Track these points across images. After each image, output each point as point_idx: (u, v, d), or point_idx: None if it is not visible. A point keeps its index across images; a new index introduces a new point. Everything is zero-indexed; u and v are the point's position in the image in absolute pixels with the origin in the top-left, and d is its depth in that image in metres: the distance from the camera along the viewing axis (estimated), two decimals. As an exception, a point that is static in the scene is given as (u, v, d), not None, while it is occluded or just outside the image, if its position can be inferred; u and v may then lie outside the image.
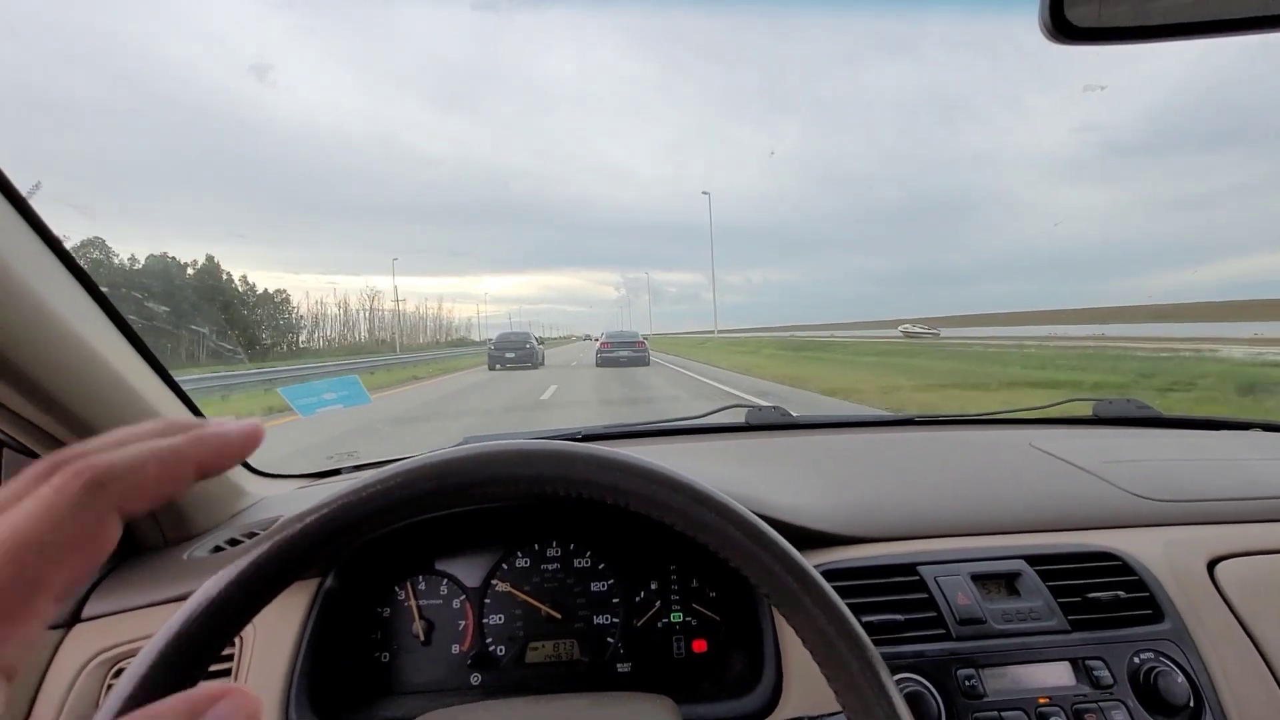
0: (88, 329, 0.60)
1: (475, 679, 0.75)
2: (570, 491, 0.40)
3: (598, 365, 15.98)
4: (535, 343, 17.55)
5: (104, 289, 0.63)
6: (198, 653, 0.35)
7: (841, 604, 0.40)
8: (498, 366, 15.73)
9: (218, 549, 0.77)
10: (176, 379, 0.76)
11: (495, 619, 0.78)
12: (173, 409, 0.74)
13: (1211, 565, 0.71)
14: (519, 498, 0.41)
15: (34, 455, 0.63)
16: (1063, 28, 0.41)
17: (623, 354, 16.18)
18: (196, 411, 0.79)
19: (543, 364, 16.88)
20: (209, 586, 0.35)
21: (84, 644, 0.67)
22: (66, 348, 0.57)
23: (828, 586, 0.40)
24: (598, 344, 18.56)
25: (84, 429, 0.61)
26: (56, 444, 0.61)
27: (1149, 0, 0.40)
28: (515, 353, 15.90)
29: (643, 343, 17.52)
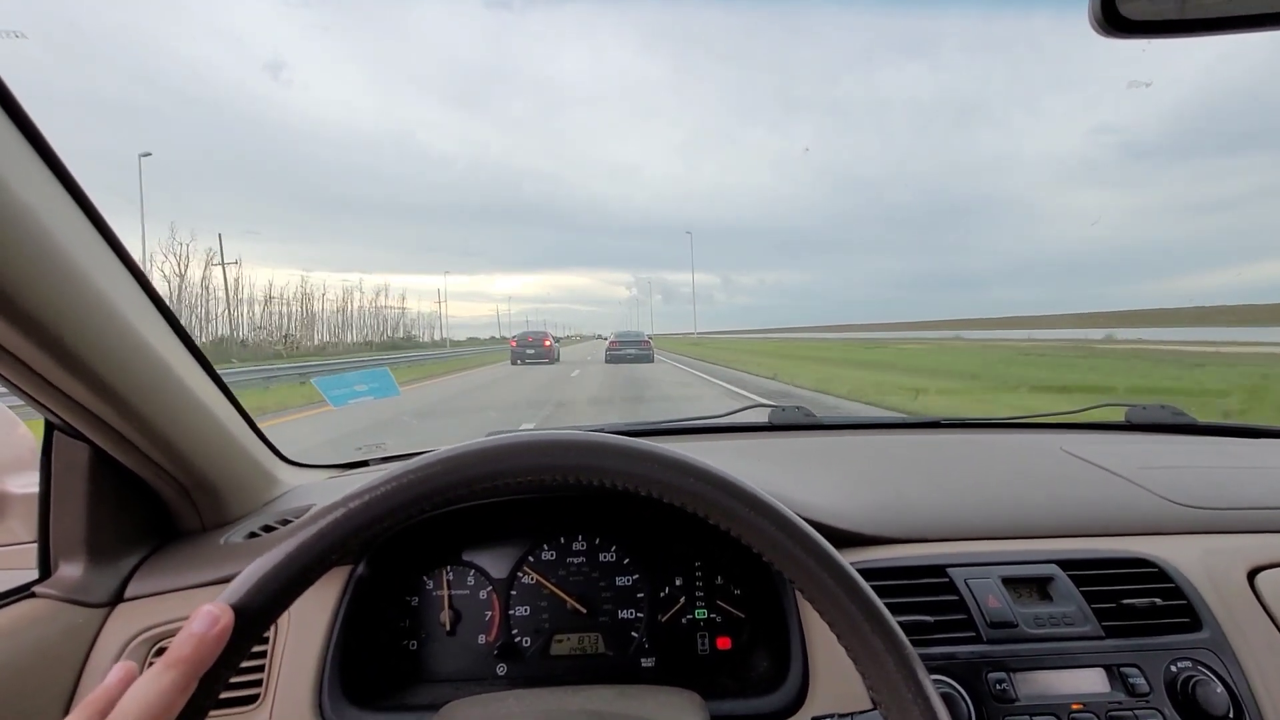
0: (138, 317, 0.62)
1: (501, 669, 0.76)
2: (608, 483, 0.41)
3: (607, 362, 17.56)
4: (553, 341, 20.14)
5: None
6: (273, 598, 0.37)
7: (880, 603, 0.40)
8: (519, 361, 17.96)
9: (253, 535, 0.79)
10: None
11: (521, 610, 0.79)
12: (212, 397, 0.76)
13: (1252, 575, 0.69)
14: (556, 488, 0.42)
15: (83, 439, 0.65)
16: (1114, 20, 0.40)
17: (629, 351, 18.24)
18: (232, 397, 0.81)
19: (558, 360, 18.95)
20: (291, 540, 0.37)
21: (126, 623, 0.69)
22: (119, 334, 0.59)
23: (866, 585, 0.40)
24: (607, 343, 20.60)
25: (130, 413, 0.63)
26: (104, 426, 0.63)
27: None
28: (535, 350, 18.24)
29: (648, 342, 19.75)
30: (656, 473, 0.41)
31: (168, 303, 0.68)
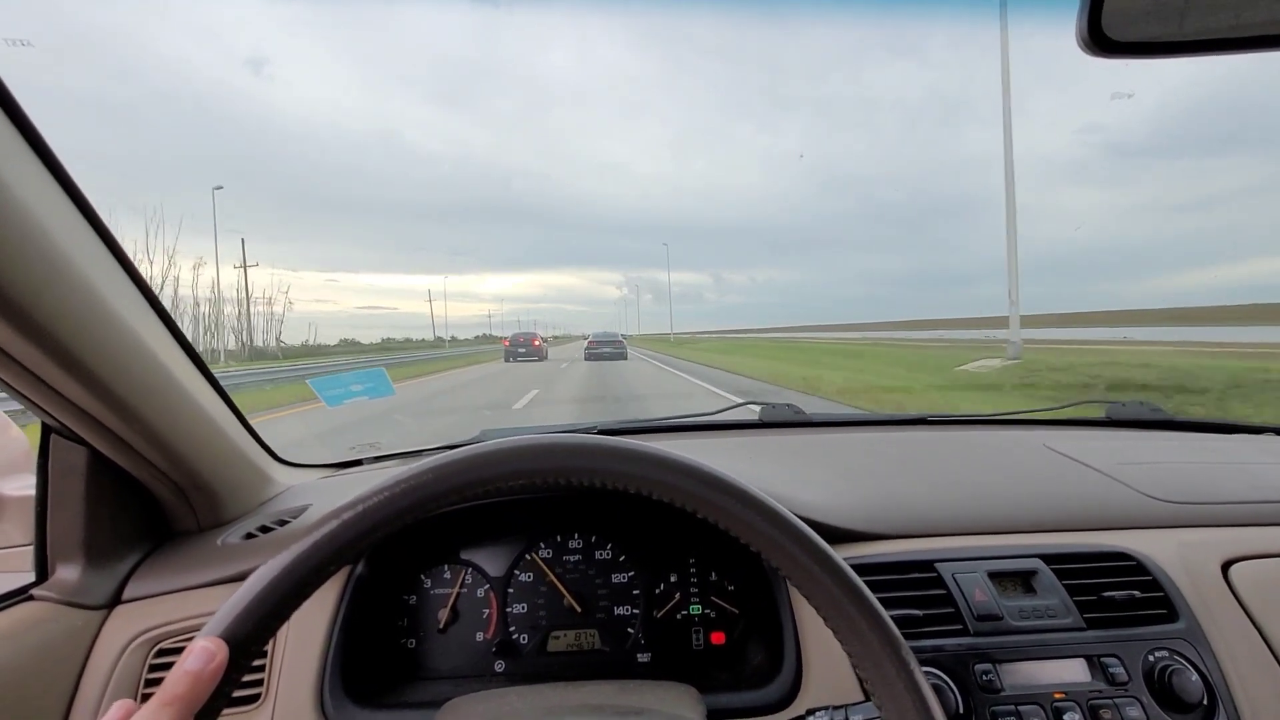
0: (135, 320, 0.62)
1: (499, 666, 0.77)
2: (599, 483, 0.42)
3: (585, 359, 19.35)
4: (542, 340, 22.05)
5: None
6: (262, 624, 0.37)
7: (872, 596, 0.41)
8: (512, 360, 19.67)
9: (250, 535, 0.79)
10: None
11: (518, 608, 0.80)
12: (207, 398, 0.76)
13: (1226, 567, 0.72)
14: (551, 487, 0.43)
15: (82, 442, 0.65)
16: (1100, 41, 0.42)
17: (605, 349, 20.38)
18: (227, 398, 0.81)
19: (547, 358, 20.57)
20: (275, 563, 0.38)
21: (125, 625, 0.69)
22: (118, 337, 0.59)
23: (859, 580, 0.42)
24: (586, 342, 23.08)
25: (129, 415, 0.63)
26: (101, 429, 0.63)
27: (1188, 14, 0.41)
28: (525, 349, 20.11)
29: (621, 341, 22.53)
30: (651, 472, 0.42)
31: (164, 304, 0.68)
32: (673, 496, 0.42)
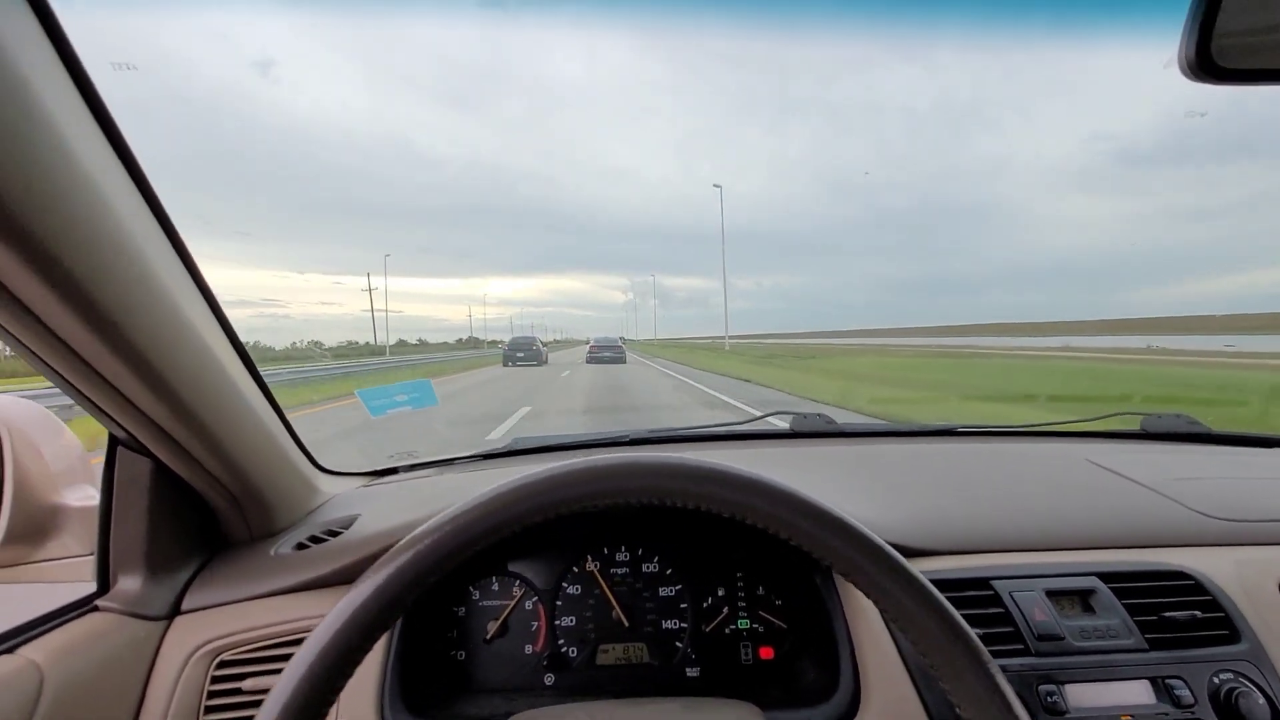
0: (207, 331, 0.62)
1: (549, 679, 0.77)
2: (689, 504, 0.42)
3: (587, 362, 20.68)
4: (540, 345, 22.46)
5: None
6: (355, 648, 0.38)
7: (957, 614, 0.41)
8: (510, 364, 19.73)
9: (301, 545, 0.79)
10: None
11: (567, 621, 0.80)
12: (262, 406, 0.75)
13: None
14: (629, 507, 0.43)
15: (146, 453, 0.65)
16: (1208, 67, 0.42)
17: (606, 353, 21.89)
18: (278, 409, 0.81)
19: (546, 362, 20.79)
20: (366, 585, 0.38)
21: (186, 636, 0.69)
22: (193, 351, 0.60)
23: (943, 599, 0.42)
24: (588, 346, 24.34)
25: (198, 427, 0.63)
26: (169, 440, 0.63)
27: None
28: (524, 353, 20.10)
29: (620, 345, 24.13)
30: (752, 499, 0.42)
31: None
32: (766, 523, 0.42)
